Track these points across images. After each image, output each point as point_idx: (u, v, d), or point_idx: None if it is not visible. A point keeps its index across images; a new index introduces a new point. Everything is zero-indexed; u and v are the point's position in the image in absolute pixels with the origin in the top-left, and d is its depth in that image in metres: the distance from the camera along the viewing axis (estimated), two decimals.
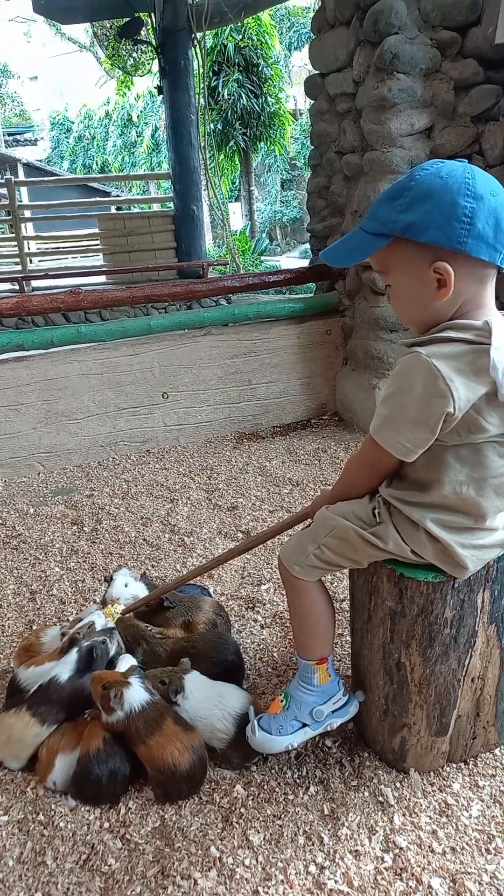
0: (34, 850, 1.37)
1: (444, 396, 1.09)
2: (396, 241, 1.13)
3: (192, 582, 2.15)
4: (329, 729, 1.49)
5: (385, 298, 3.38)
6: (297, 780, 1.50)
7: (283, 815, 1.41)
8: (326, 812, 1.41)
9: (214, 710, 1.52)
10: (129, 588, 1.99)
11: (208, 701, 1.54)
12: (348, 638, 1.87)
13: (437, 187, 1.08)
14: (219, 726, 1.51)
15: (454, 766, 1.51)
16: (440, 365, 1.09)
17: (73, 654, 1.63)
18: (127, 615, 1.88)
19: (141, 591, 2.03)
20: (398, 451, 1.18)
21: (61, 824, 1.42)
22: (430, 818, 1.38)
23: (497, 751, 1.54)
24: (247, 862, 1.31)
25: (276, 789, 1.48)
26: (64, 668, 1.61)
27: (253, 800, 1.45)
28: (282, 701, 1.49)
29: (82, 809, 1.46)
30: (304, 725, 1.46)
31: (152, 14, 7.26)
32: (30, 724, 1.54)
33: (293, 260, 15.12)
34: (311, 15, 3.81)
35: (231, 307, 4.10)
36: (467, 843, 1.32)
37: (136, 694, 1.48)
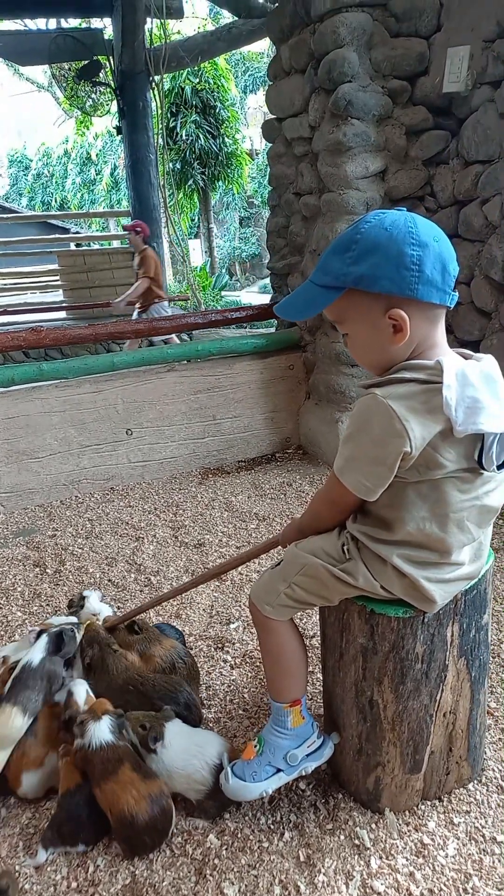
0: None
1: (400, 436, 1.11)
2: (350, 291, 1.17)
3: (169, 623, 2.18)
4: (304, 773, 1.46)
5: None
6: (272, 826, 1.47)
7: (258, 865, 1.37)
8: (302, 859, 1.38)
9: (193, 760, 1.47)
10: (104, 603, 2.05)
11: (187, 751, 1.49)
12: (320, 675, 1.86)
13: (382, 239, 1.12)
14: (196, 777, 1.46)
15: (429, 803, 1.49)
16: (395, 405, 1.12)
17: (44, 639, 1.67)
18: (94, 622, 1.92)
19: (109, 612, 2.09)
20: (360, 491, 1.20)
21: (27, 887, 1.36)
22: (407, 860, 1.36)
23: (470, 786, 1.54)
24: None
25: (251, 837, 1.44)
26: (35, 653, 1.64)
27: (227, 849, 1.41)
28: (255, 746, 1.46)
29: (48, 869, 1.40)
30: (279, 771, 1.44)
31: (111, 57, 7.41)
32: (13, 716, 1.53)
33: (253, 295, 15.34)
34: (266, 60, 3.95)
35: (194, 343, 4.12)
36: (444, 885, 1.31)
37: (101, 732, 1.46)
